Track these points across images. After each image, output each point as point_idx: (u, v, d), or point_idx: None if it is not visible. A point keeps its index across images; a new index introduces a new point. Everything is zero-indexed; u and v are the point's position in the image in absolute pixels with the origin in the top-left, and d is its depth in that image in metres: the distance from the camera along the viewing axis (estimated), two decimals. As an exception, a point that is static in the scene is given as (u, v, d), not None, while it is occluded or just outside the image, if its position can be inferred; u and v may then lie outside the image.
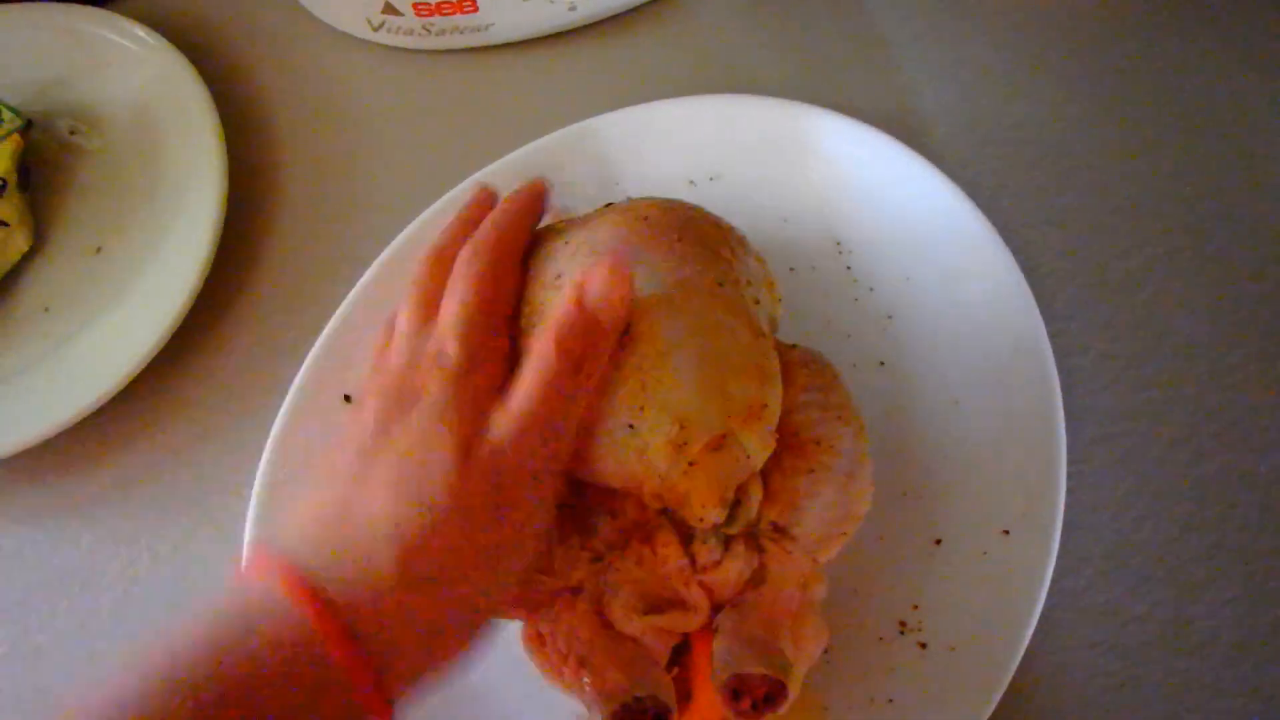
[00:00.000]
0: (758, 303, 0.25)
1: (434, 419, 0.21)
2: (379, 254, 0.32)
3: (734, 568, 0.23)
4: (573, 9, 0.37)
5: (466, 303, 0.23)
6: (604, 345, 0.22)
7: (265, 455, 0.29)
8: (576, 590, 0.24)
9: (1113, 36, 0.35)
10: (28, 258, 0.35)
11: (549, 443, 0.21)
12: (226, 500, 0.31)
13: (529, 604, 0.24)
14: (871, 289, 0.32)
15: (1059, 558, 0.26)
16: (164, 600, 0.31)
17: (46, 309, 0.34)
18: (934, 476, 0.28)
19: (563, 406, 0.21)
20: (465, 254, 0.24)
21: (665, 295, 0.23)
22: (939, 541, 0.27)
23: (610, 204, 0.29)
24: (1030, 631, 0.25)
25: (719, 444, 0.22)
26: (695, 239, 0.25)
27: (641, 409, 0.22)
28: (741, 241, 0.27)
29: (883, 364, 0.30)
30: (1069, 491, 0.28)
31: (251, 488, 0.29)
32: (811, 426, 0.25)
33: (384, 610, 0.19)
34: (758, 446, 0.23)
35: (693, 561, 0.24)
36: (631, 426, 0.22)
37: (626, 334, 0.23)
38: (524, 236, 0.26)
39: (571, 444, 0.22)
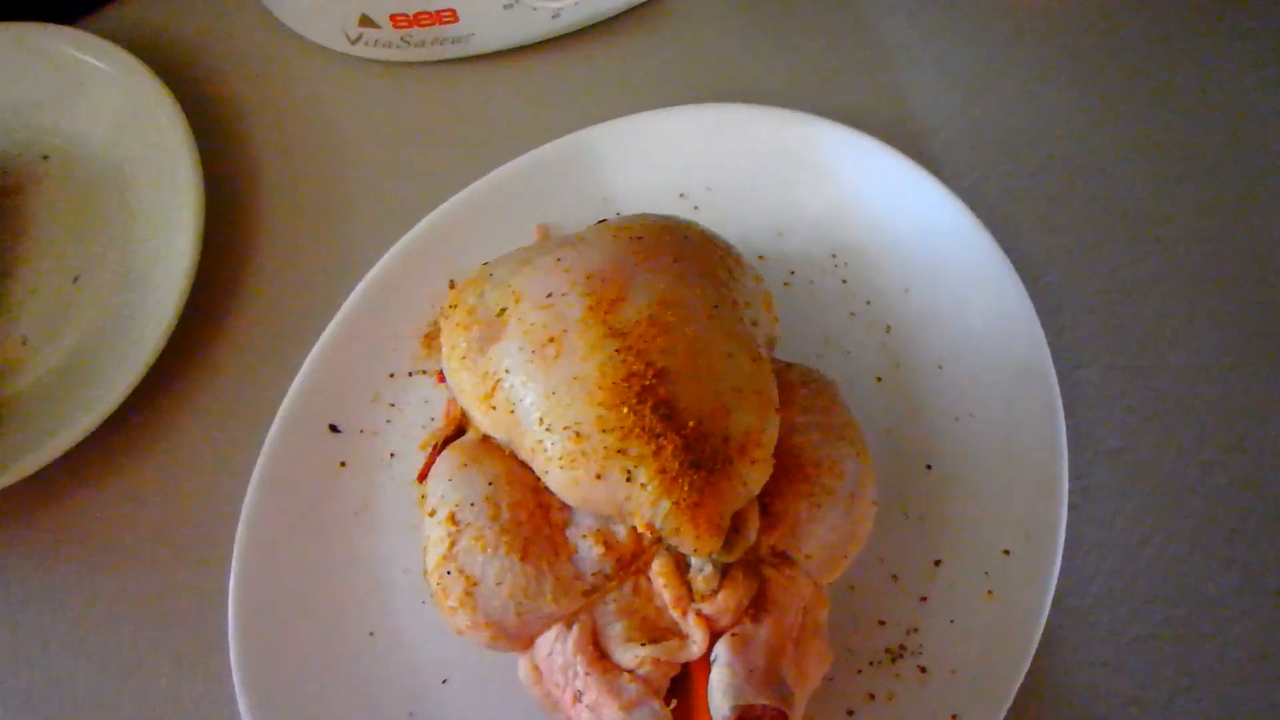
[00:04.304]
0: (755, 324, 0.25)
1: None
2: (363, 274, 0.32)
3: (732, 596, 0.23)
4: (556, 16, 0.36)
5: None
6: None
7: (251, 487, 0.29)
8: (572, 622, 0.23)
9: (1118, 41, 0.34)
10: (4, 287, 0.34)
11: None
12: (211, 532, 0.31)
13: (524, 637, 0.24)
14: (868, 302, 0.31)
15: (1064, 576, 0.26)
16: (152, 633, 0.30)
17: (24, 340, 0.33)
18: (933, 495, 0.28)
19: None
20: None
21: (661, 320, 0.23)
22: (939, 562, 0.27)
23: (603, 221, 0.28)
24: (1031, 653, 0.25)
25: (715, 471, 0.22)
26: (691, 260, 0.25)
27: (633, 437, 0.21)
28: (738, 260, 0.26)
29: (880, 380, 0.30)
30: (1074, 507, 0.27)
31: (237, 519, 0.28)
32: (812, 448, 0.24)
33: None
34: (755, 473, 0.22)
35: (690, 590, 0.23)
36: (622, 454, 0.22)
37: (619, 357, 0.22)
38: None
39: None
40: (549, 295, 0.24)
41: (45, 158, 0.36)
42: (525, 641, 0.24)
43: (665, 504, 0.22)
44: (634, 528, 0.23)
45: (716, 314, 0.24)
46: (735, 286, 0.25)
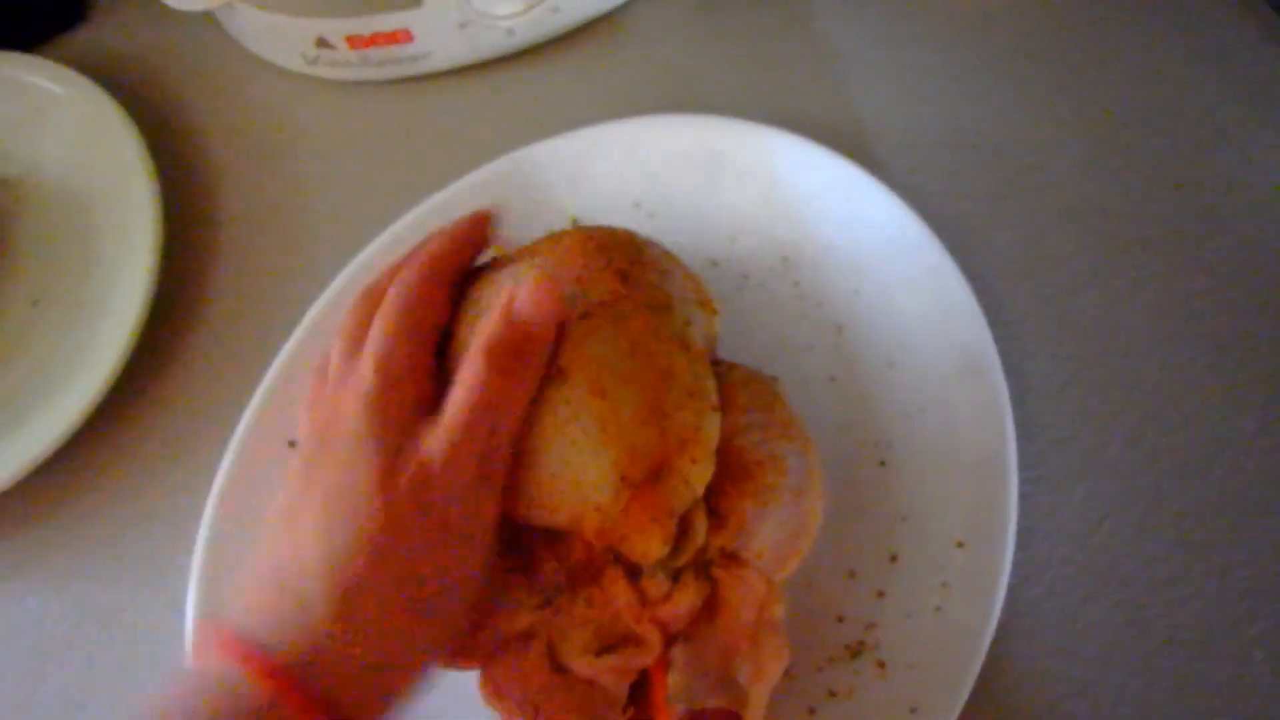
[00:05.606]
0: (689, 323, 0.25)
1: (353, 446, 0.20)
2: (322, 290, 0.32)
3: (685, 599, 0.23)
4: (511, 34, 0.37)
5: (387, 326, 0.22)
6: (536, 354, 0.22)
7: (209, 507, 0.29)
8: (528, 637, 0.23)
9: (1060, 37, 0.35)
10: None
11: (483, 457, 0.21)
12: (174, 555, 0.31)
13: (481, 654, 0.24)
14: (820, 303, 0.31)
15: (1018, 566, 0.26)
16: (112, 663, 0.30)
17: (-18, 365, 0.33)
18: (888, 492, 0.28)
19: (493, 418, 0.21)
20: (394, 284, 0.24)
21: (592, 324, 0.23)
22: (894, 558, 0.27)
23: (550, 233, 0.29)
24: (987, 644, 0.25)
25: (657, 474, 0.22)
26: (621, 263, 0.25)
27: (574, 443, 0.22)
28: (670, 258, 0.27)
29: (834, 379, 0.30)
30: (1026, 498, 0.28)
31: (195, 539, 0.28)
32: (754, 448, 0.24)
33: (329, 658, 0.19)
34: (697, 473, 0.23)
35: (642, 597, 0.23)
36: (566, 462, 0.22)
37: (556, 367, 0.22)
38: (456, 262, 0.25)
39: (507, 460, 0.22)
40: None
41: (3, 183, 0.36)
42: (482, 659, 0.24)
43: (611, 509, 0.22)
44: (584, 538, 0.23)
45: (649, 315, 0.24)
46: (667, 285, 0.25)
